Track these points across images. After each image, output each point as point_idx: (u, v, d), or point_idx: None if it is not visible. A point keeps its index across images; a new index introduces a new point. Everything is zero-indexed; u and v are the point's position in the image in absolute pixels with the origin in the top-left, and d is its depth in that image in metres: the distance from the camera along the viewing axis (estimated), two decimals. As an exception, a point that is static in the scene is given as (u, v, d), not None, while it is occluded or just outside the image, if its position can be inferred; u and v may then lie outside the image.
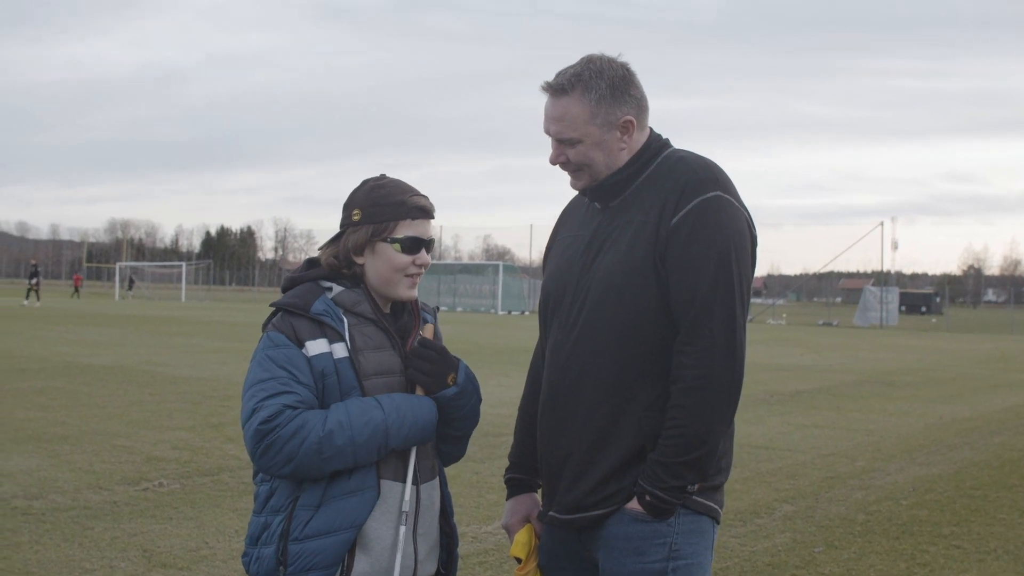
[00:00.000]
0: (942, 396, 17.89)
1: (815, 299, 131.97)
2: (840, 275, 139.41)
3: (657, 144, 3.06)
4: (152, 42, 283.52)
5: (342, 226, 3.01)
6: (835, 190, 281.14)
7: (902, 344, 37.15)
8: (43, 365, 18.60)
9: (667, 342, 2.87)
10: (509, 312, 62.10)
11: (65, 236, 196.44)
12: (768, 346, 31.81)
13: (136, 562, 6.38)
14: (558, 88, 2.99)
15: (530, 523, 3.22)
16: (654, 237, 2.88)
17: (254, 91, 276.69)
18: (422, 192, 3.01)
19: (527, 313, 62.15)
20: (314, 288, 2.97)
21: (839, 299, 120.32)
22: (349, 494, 2.80)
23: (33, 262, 58.43)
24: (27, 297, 52.78)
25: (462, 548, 6.84)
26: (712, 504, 2.94)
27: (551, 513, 3.07)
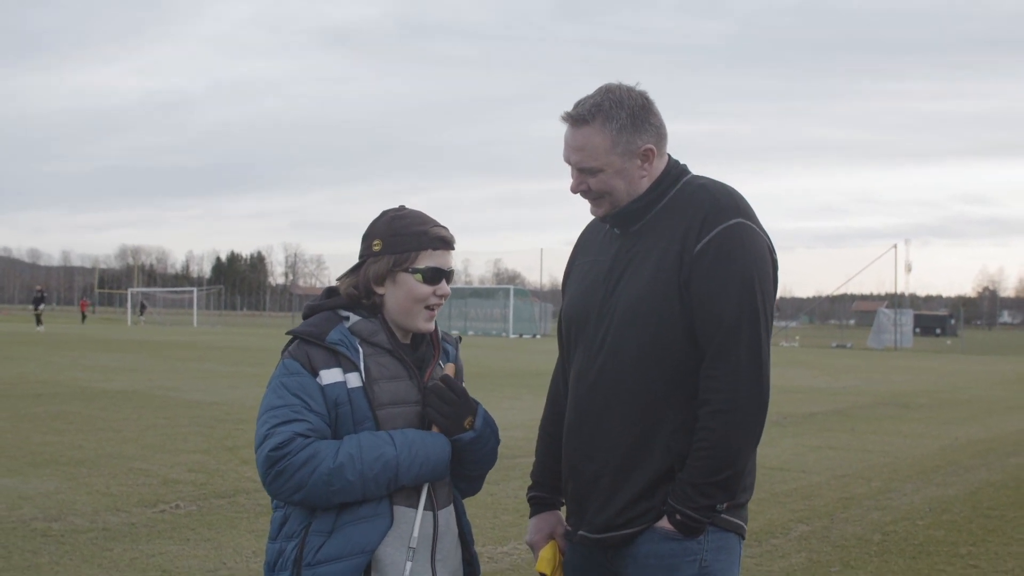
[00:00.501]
0: (957, 418, 17.84)
1: (829, 322, 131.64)
2: (854, 297, 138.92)
3: (676, 170, 3.11)
4: (159, 70, 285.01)
5: (362, 256, 3.02)
6: (848, 212, 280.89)
7: (917, 366, 37.04)
8: (58, 390, 18.68)
9: (693, 365, 2.92)
10: (520, 335, 62.09)
11: (76, 263, 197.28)
12: (782, 368, 31.75)
13: (155, 583, 6.42)
14: (578, 118, 3.03)
15: (554, 540, 3.26)
16: (678, 263, 2.93)
17: (262, 117, 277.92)
18: (441, 223, 3.03)
19: (538, 336, 62.14)
20: (332, 317, 2.98)
21: (853, 321, 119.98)
22: (361, 520, 2.82)
23: (39, 288, 58.07)
24: (39, 323, 52.93)
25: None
26: (738, 521, 3.00)
27: (581, 532, 3.10)
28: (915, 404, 20.25)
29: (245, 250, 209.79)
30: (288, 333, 3.00)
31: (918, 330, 77.17)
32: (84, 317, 75.94)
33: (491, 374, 25.32)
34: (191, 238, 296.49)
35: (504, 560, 7.24)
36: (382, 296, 2.98)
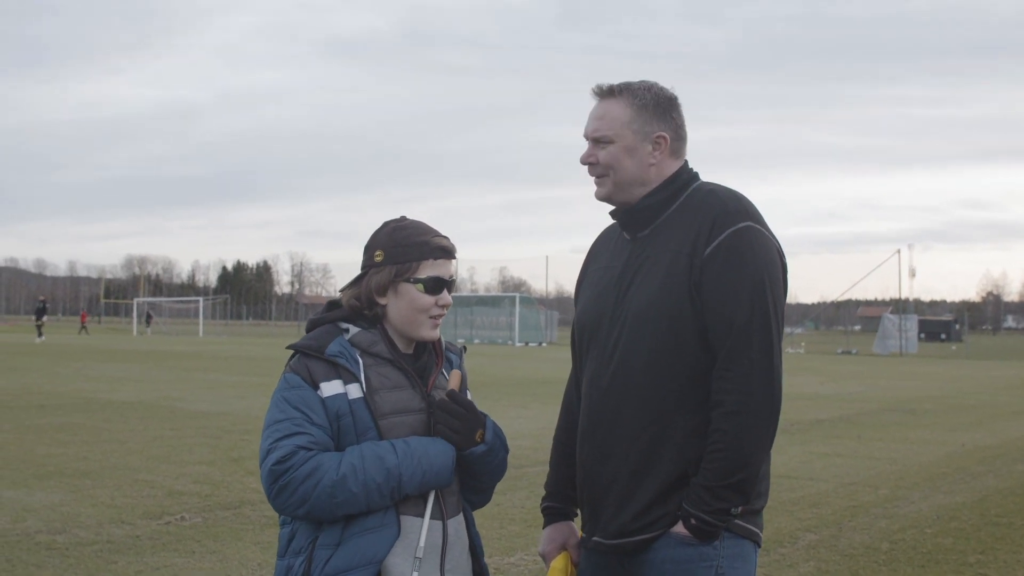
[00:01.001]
0: (964, 424, 17.79)
1: (834, 327, 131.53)
2: (858, 303, 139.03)
3: (688, 176, 3.14)
4: (165, 81, 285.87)
5: (364, 267, 3.03)
6: (850, 218, 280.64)
7: (922, 372, 36.98)
8: (63, 401, 18.67)
9: (704, 369, 2.94)
10: (526, 344, 62.07)
11: (82, 273, 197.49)
12: (787, 375, 31.35)
13: (160, 596, 6.40)
14: (607, 91, 3.14)
15: (566, 551, 3.26)
16: (688, 267, 2.94)
17: (267, 127, 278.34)
18: (442, 232, 3.04)
19: (544, 344, 62.14)
20: (332, 330, 3.00)
21: (857, 327, 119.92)
22: (368, 531, 2.81)
23: (41, 299, 57.94)
24: (39, 334, 52.47)
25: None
26: (753, 528, 3.01)
27: (595, 539, 3.10)
28: (921, 410, 20.21)
29: (251, 259, 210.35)
30: (288, 347, 3.00)
31: (923, 335, 77.09)
32: (83, 328, 75.89)
33: (497, 383, 25.31)
34: (197, 248, 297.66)
35: (511, 571, 7.21)
36: (384, 307, 2.99)
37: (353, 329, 2.99)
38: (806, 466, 12.34)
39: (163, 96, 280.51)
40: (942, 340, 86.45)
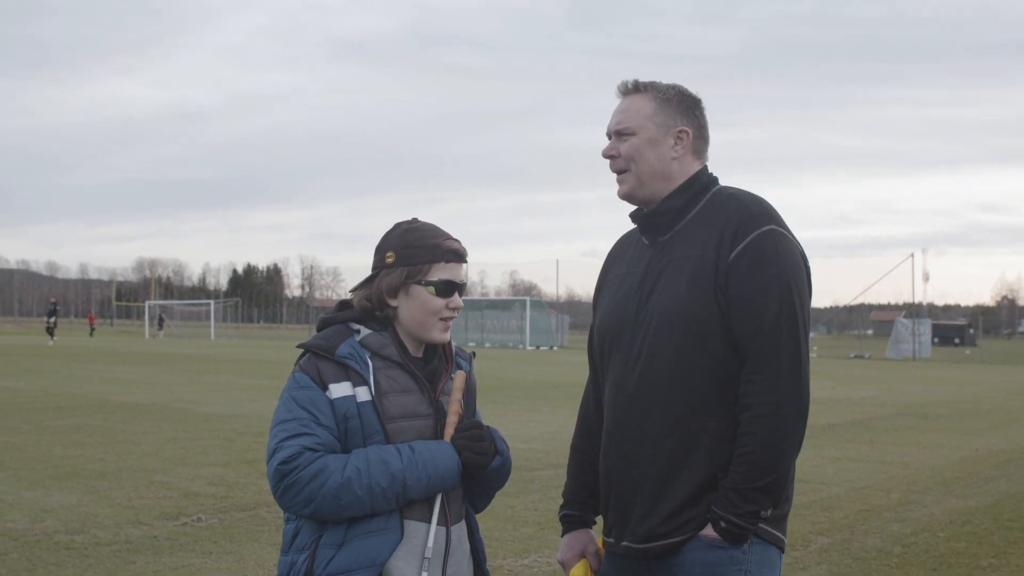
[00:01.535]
0: (977, 428, 17.78)
1: (847, 332, 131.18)
2: (871, 307, 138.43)
3: (708, 179, 3.17)
4: (173, 82, 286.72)
5: (375, 268, 3.05)
6: (862, 222, 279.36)
7: (936, 376, 36.91)
8: (79, 403, 18.77)
9: (732, 372, 2.96)
10: (537, 347, 62.06)
11: (94, 275, 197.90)
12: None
13: (178, 596, 6.46)
14: (632, 87, 3.20)
15: (585, 559, 3.28)
16: (713, 271, 2.97)
17: (276, 129, 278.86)
18: (454, 235, 3.06)
19: (555, 348, 62.12)
20: (343, 330, 3.00)
21: (871, 331, 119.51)
22: (371, 533, 2.84)
23: (52, 300, 57.46)
24: (52, 336, 52.31)
25: (500, 581, 6.90)
26: (779, 534, 3.03)
27: (624, 543, 3.11)
28: (934, 415, 20.19)
29: (261, 262, 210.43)
30: (299, 346, 3.03)
31: (936, 340, 76.83)
32: (92, 331, 76.03)
33: (508, 386, 25.34)
34: (208, 251, 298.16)
35: (525, 573, 7.25)
36: (395, 308, 3.00)
37: (364, 330, 3.00)
38: (818, 470, 12.36)
39: (171, 98, 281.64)
40: (956, 344, 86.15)
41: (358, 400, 2.88)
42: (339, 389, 2.88)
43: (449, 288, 2.98)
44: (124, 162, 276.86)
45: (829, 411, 20.32)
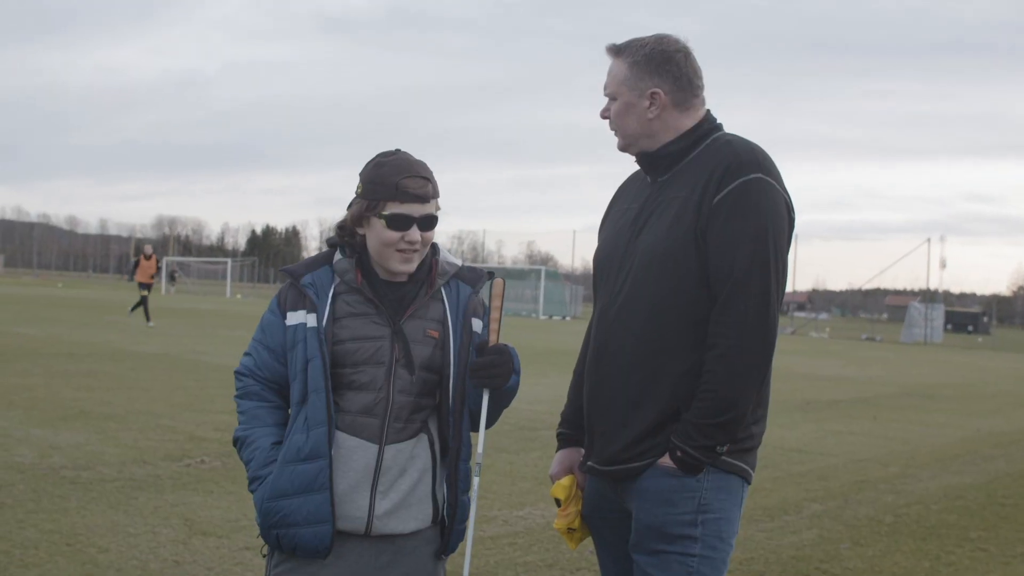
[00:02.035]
0: (981, 410, 17.83)
1: (860, 314, 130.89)
2: (887, 292, 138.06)
3: (708, 126, 3.24)
4: (171, 50, 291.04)
5: (355, 193, 3.18)
6: (859, 207, 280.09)
7: (945, 360, 36.90)
8: (91, 351, 18.97)
9: (704, 313, 3.05)
10: (551, 317, 62.14)
11: (113, 231, 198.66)
12: (809, 357, 31.74)
13: (178, 529, 6.61)
14: (613, 49, 3.28)
15: (572, 474, 3.43)
16: (696, 213, 3.05)
17: (274, 97, 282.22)
18: (425, 173, 3.09)
19: (568, 319, 62.19)
20: (325, 256, 3.21)
21: (885, 316, 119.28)
22: (303, 461, 3.07)
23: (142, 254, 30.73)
24: (146, 316, 29.08)
25: (494, 530, 7.05)
26: (742, 464, 3.12)
27: (590, 463, 3.28)
28: (940, 396, 20.23)
29: (280, 224, 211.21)
30: (280, 269, 3.29)
31: (950, 326, 76.57)
32: None
33: (520, 353, 25.29)
34: (228, 211, 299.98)
35: (519, 523, 7.38)
36: (363, 236, 3.14)
37: (337, 256, 3.18)
38: (819, 442, 12.46)
39: (169, 64, 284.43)
40: (969, 332, 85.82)
41: (307, 326, 3.08)
42: (295, 317, 3.12)
43: (402, 222, 3.04)
44: (128, 123, 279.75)
45: (835, 388, 20.41)
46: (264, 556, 3.23)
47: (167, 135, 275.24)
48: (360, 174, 3.14)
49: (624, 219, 3.30)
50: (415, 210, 3.06)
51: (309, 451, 3.01)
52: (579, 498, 3.40)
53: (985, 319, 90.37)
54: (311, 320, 3.08)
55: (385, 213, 3.04)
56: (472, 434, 3.26)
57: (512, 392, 3.25)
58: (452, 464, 3.19)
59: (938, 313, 62.15)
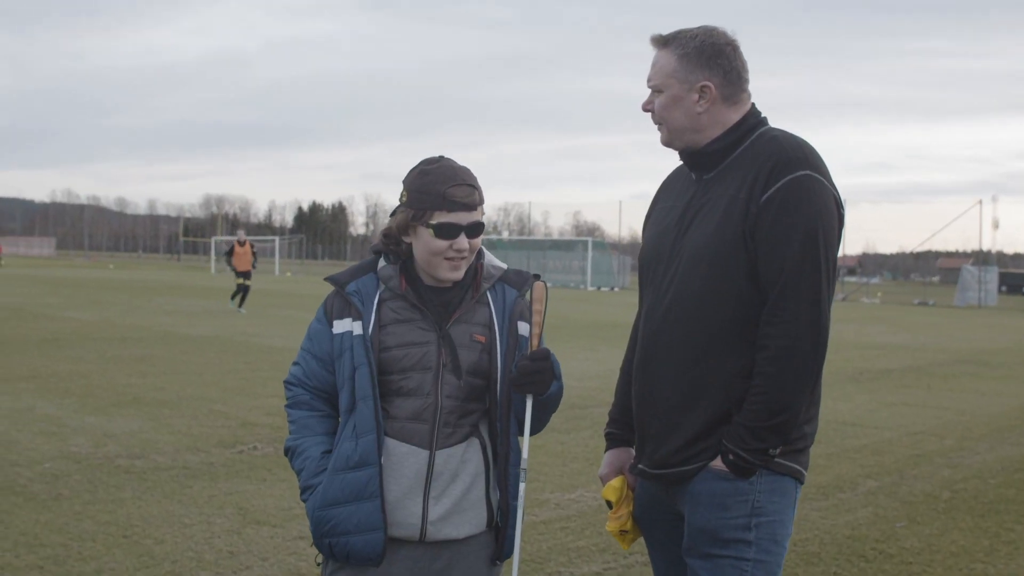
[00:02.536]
0: (1037, 377, 17.57)
1: (912, 277, 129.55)
2: (938, 254, 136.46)
3: (754, 121, 3.17)
4: (212, 30, 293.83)
5: (399, 201, 3.15)
6: (902, 168, 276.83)
7: (999, 324, 36.42)
8: (143, 335, 19.17)
9: (754, 313, 3.00)
10: (599, 288, 62.03)
11: (162, 211, 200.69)
12: (860, 324, 31.46)
13: (232, 518, 6.66)
14: (659, 40, 3.20)
15: (623, 475, 3.39)
16: (744, 212, 3.00)
17: (316, 73, 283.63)
18: (471, 180, 3.07)
19: (616, 289, 62.07)
20: (373, 261, 3.21)
21: (937, 278, 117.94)
22: (352, 469, 3.06)
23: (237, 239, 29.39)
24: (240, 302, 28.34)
25: (546, 514, 7.03)
26: (795, 465, 3.07)
27: (640, 466, 3.24)
28: (995, 363, 19.96)
29: (327, 200, 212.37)
30: (325, 279, 3.28)
31: (1004, 288, 75.58)
32: None
33: (568, 325, 25.46)
34: (274, 188, 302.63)
35: (571, 507, 7.36)
36: (409, 245, 3.12)
37: (382, 262, 3.18)
38: (872, 414, 12.33)
39: (211, 44, 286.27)
40: None
41: (353, 334, 3.08)
42: (341, 325, 3.13)
43: (450, 231, 3.02)
44: (171, 104, 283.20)
45: (887, 357, 20.20)
46: (319, 564, 3.23)
47: (212, 114, 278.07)
48: (404, 182, 3.12)
49: (669, 217, 3.24)
50: (462, 218, 3.03)
51: (358, 459, 3.01)
52: (630, 499, 3.37)
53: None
54: (357, 328, 3.07)
55: (433, 223, 3.01)
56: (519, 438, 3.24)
57: (555, 399, 3.21)
58: (502, 468, 3.17)
59: (992, 275, 61.25)
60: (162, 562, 5.79)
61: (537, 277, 3.29)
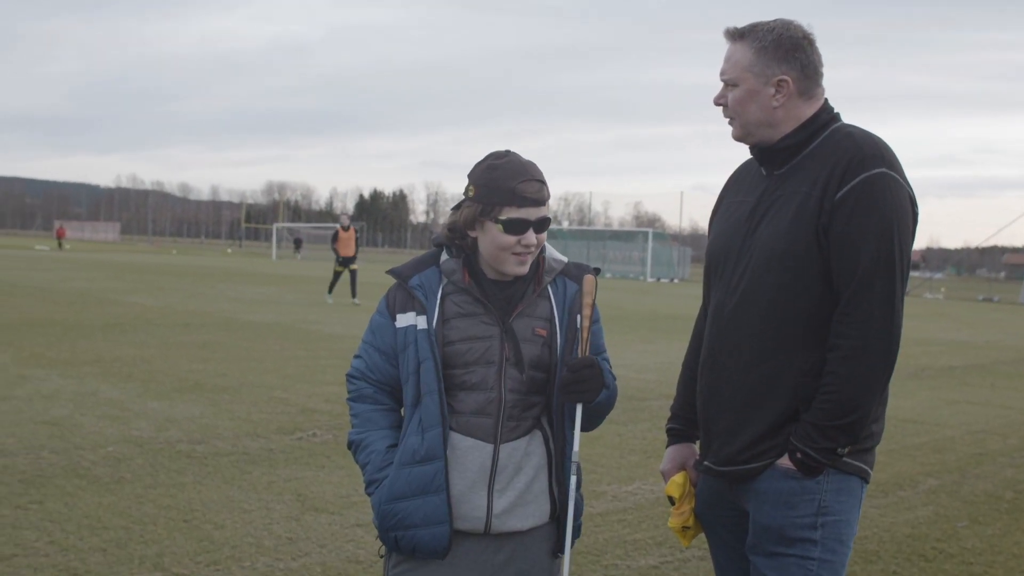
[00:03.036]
0: (1105, 376, 17.23)
1: (977, 272, 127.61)
2: (1004, 250, 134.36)
3: (827, 116, 3.14)
4: (275, 16, 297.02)
5: (463, 197, 3.15)
6: (971, 163, 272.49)
7: (1066, 322, 35.76)
8: (205, 321, 19.39)
9: (825, 311, 2.98)
10: (658, 279, 61.80)
11: (224, 197, 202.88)
12: (923, 320, 31.05)
13: (291, 505, 6.72)
14: (734, 34, 3.17)
15: (685, 470, 3.39)
16: (818, 209, 2.97)
17: (378, 61, 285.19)
18: (539, 175, 3.07)
19: (676, 281, 61.79)
20: (431, 256, 3.21)
21: (1003, 274, 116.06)
22: (418, 463, 3.08)
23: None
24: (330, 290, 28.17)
25: (603, 506, 7.03)
26: (862, 465, 3.05)
27: (706, 463, 3.23)
28: (1062, 361, 19.60)
29: (387, 188, 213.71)
30: (387, 272, 3.29)
31: (1072, 285, 74.16)
32: (60, 244, 75.19)
33: (627, 317, 25.39)
34: (335, 176, 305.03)
35: (628, 499, 7.35)
36: (475, 239, 3.12)
37: (444, 256, 3.18)
38: (933, 412, 12.18)
39: (274, 31, 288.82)
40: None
41: (417, 328, 3.09)
42: (404, 319, 3.13)
43: (520, 227, 3.02)
44: (234, 91, 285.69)
45: (950, 353, 19.93)
46: (381, 556, 3.26)
47: (274, 101, 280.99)
48: (470, 176, 3.11)
49: (739, 212, 3.22)
50: (531, 214, 3.03)
51: (425, 453, 3.03)
52: (692, 495, 3.36)
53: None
54: (421, 322, 3.08)
55: (503, 218, 3.01)
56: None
57: (605, 406, 3.19)
58: (559, 463, 3.18)
59: (1059, 272, 60.17)
60: (222, 547, 5.86)
61: (597, 271, 3.27)
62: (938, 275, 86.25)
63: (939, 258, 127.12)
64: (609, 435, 9.36)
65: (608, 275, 64.47)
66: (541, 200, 3.05)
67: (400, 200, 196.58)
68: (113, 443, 8.25)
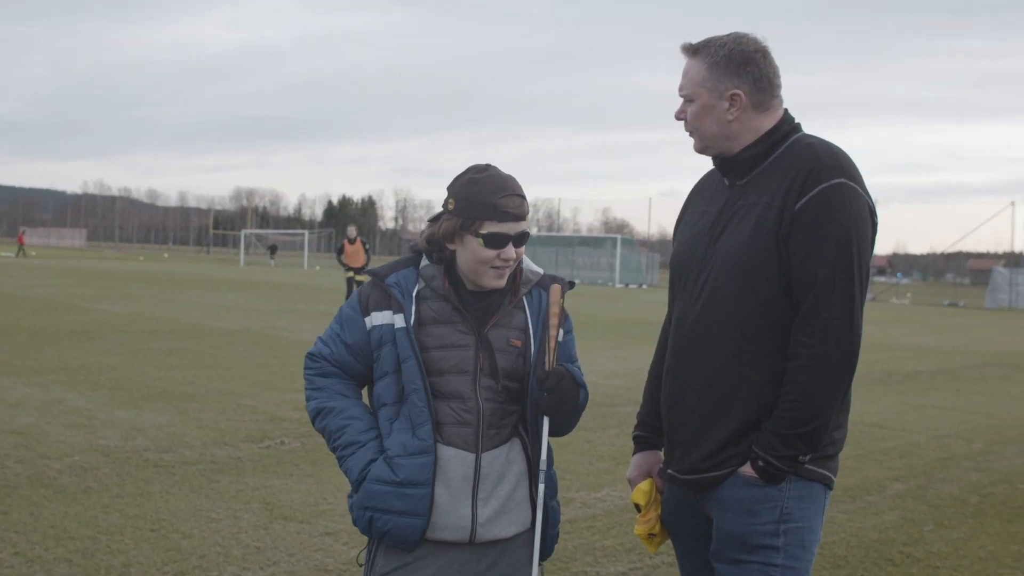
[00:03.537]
0: (1068, 381, 17.41)
1: (943, 278, 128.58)
2: (969, 255, 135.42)
3: (787, 127, 3.16)
4: (246, 23, 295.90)
5: (442, 209, 3.16)
6: (937, 169, 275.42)
7: (1030, 327, 36.10)
8: (172, 327, 19.28)
9: (786, 320, 3.00)
10: (627, 285, 61.96)
11: (192, 204, 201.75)
12: (889, 325, 31.28)
13: (259, 514, 6.69)
14: (689, 49, 3.19)
15: (651, 478, 3.41)
16: (778, 220, 2.99)
17: (348, 68, 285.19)
18: (520, 190, 3.09)
19: (644, 287, 61.96)
20: (411, 259, 3.22)
21: (967, 280, 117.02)
22: (410, 456, 3.07)
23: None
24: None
25: (572, 513, 7.04)
26: (824, 472, 3.07)
27: (670, 471, 3.25)
28: (1026, 366, 19.79)
29: (356, 194, 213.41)
30: (366, 272, 3.31)
31: (1036, 290, 74.85)
32: (20, 251, 72.04)
33: (595, 323, 25.46)
34: (304, 182, 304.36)
35: (597, 506, 7.36)
36: (453, 251, 3.12)
37: (425, 261, 3.18)
38: (900, 417, 12.27)
39: (245, 38, 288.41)
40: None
41: (395, 327, 3.09)
42: (380, 317, 3.14)
43: (499, 241, 3.04)
44: (205, 97, 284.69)
45: (916, 359, 20.09)
46: (360, 565, 3.26)
47: (244, 107, 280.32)
48: (450, 189, 3.12)
49: (702, 223, 3.24)
50: (512, 228, 3.05)
51: (417, 447, 3.04)
52: (659, 502, 3.38)
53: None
54: (399, 320, 3.09)
55: (483, 232, 3.02)
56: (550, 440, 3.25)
57: (582, 406, 3.24)
58: (535, 470, 3.19)
59: (1023, 277, 60.78)
60: (189, 556, 5.83)
61: (572, 285, 3.30)
62: (905, 280, 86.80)
63: (905, 263, 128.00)
64: (578, 441, 9.37)
65: (577, 281, 64.36)
66: (522, 215, 3.07)
67: (369, 206, 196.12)
68: (79, 452, 8.19)
